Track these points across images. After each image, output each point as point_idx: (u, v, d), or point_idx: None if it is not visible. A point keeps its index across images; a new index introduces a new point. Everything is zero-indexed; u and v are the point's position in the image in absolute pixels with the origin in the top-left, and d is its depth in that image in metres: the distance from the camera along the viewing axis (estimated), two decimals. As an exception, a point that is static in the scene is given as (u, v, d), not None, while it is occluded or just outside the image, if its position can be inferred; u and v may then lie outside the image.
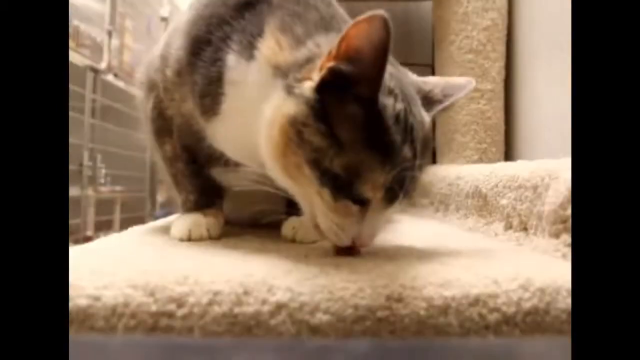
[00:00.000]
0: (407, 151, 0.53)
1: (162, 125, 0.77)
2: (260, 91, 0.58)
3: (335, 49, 0.52)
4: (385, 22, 0.49)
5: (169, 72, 0.70)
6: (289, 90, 0.55)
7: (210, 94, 0.64)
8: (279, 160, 0.56)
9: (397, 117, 0.53)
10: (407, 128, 0.53)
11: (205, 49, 0.64)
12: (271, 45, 0.60)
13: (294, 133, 0.53)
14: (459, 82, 0.63)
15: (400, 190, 0.53)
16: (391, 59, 0.63)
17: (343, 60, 0.52)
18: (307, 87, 0.54)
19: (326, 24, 0.62)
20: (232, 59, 0.62)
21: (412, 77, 0.63)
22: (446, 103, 0.61)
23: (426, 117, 0.58)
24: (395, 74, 0.57)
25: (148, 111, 0.78)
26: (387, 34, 0.49)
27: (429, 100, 0.60)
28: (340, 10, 0.68)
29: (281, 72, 0.58)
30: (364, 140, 0.52)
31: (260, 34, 0.61)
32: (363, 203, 0.54)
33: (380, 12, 0.48)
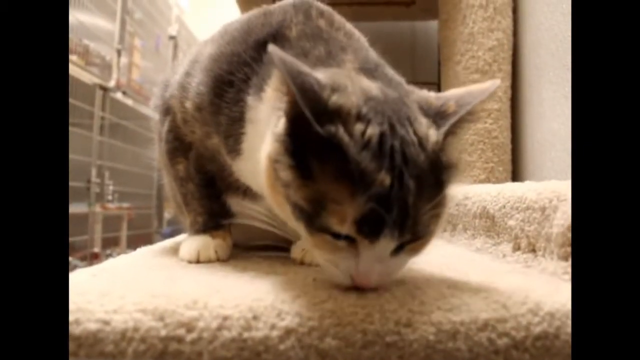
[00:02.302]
0: (383, 178, 0.47)
1: (177, 147, 0.77)
2: (267, 130, 0.57)
3: None
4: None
5: (188, 105, 0.71)
6: (273, 129, 0.54)
7: (233, 134, 0.65)
8: (272, 201, 0.55)
9: (367, 143, 0.48)
10: (384, 153, 0.48)
11: (228, 90, 0.65)
12: (274, 86, 0.60)
13: (273, 171, 0.52)
14: (479, 88, 0.56)
15: (384, 223, 0.47)
16: (389, 73, 0.60)
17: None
18: (281, 122, 0.53)
19: (329, 58, 0.61)
20: (250, 99, 0.63)
21: (418, 93, 0.58)
22: (461, 113, 0.53)
23: (432, 136, 0.51)
24: (378, 95, 0.53)
25: (163, 133, 0.79)
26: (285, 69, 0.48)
27: (441, 115, 0.54)
28: (360, 43, 0.68)
29: (275, 110, 0.57)
30: (328, 171, 0.48)
31: (270, 75, 0.61)
32: (348, 238, 0.49)
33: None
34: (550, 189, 0.69)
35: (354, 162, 0.47)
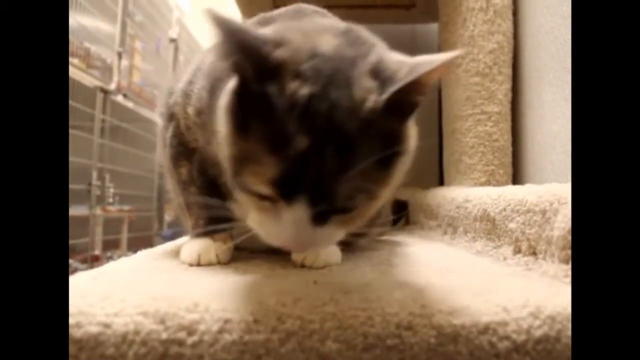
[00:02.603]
0: (301, 140, 0.46)
1: (181, 151, 0.78)
2: None
3: None
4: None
5: (190, 110, 0.71)
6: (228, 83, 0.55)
7: None
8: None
9: (294, 103, 0.47)
10: (309, 114, 0.46)
11: (220, 87, 0.65)
12: None
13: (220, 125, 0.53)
14: (437, 57, 0.50)
15: (298, 186, 0.47)
16: (362, 34, 0.56)
17: None
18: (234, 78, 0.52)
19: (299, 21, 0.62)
20: None
21: (380, 55, 0.53)
22: (406, 81, 0.48)
23: (369, 101, 0.48)
24: (328, 52, 0.51)
25: (167, 139, 0.79)
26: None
27: (390, 81, 0.49)
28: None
29: None
30: (256, 129, 0.48)
31: None
32: (271, 200, 0.49)
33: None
34: (551, 192, 0.69)
35: (277, 121, 0.46)
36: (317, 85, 0.48)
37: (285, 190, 0.47)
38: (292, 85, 0.47)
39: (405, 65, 0.50)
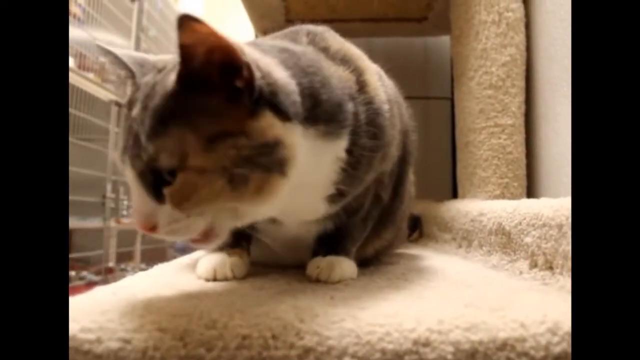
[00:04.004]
0: (135, 111, 0.56)
1: None
2: None
3: None
4: None
5: None
6: None
7: None
8: None
9: (139, 85, 0.58)
10: (140, 91, 0.57)
11: None
12: None
13: None
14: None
15: (127, 147, 0.55)
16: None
17: None
18: None
19: None
20: None
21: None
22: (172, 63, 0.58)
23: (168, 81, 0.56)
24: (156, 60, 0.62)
25: None
26: None
27: None
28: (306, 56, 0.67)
29: None
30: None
31: None
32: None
33: None
34: (567, 205, 0.69)
35: (129, 103, 0.59)
36: (150, 76, 0.58)
37: (123, 149, 0.56)
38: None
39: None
